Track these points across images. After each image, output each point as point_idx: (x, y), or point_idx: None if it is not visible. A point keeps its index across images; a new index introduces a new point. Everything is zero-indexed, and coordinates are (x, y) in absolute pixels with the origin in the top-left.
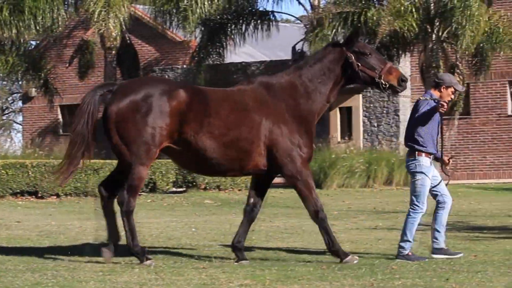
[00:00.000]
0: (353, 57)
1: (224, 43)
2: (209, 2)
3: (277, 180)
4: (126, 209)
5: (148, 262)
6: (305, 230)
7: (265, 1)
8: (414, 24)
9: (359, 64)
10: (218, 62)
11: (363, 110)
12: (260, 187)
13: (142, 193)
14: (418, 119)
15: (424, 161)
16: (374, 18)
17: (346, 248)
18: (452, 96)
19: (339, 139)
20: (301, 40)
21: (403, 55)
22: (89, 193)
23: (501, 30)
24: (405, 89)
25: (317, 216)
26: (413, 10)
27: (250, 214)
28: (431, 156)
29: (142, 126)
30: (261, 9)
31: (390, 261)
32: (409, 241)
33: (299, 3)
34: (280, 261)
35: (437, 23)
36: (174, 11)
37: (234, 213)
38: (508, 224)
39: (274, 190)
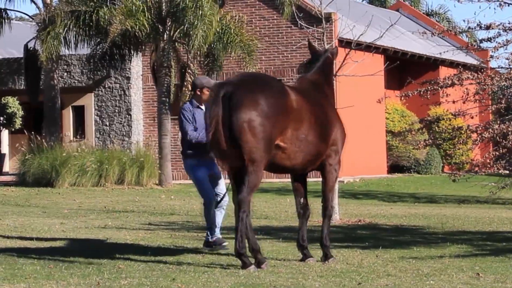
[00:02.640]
0: None
1: None
2: None
3: (7, 178)
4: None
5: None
6: (34, 229)
7: None
8: (145, 24)
9: None
10: None
11: (95, 109)
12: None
13: None
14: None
15: (190, 162)
16: (106, 17)
17: (73, 247)
18: (208, 93)
19: (71, 138)
20: (33, 38)
21: (135, 54)
22: None
23: (232, 30)
24: None
25: (328, 210)
26: (145, 9)
27: (305, 214)
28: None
29: (268, 129)
30: None
31: (117, 261)
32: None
33: (32, 1)
34: (8, 259)
35: (169, 23)
36: None
37: None
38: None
39: (5, 188)
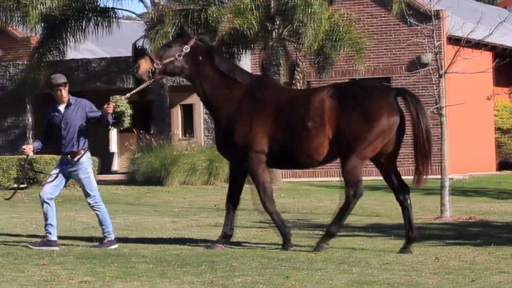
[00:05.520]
0: None
1: (65, 40)
2: None
3: (117, 177)
4: None
5: None
6: (146, 227)
7: None
8: (254, 22)
9: None
10: (59, 59)
11: (204, 108)
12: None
13: None
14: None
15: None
16: (215, 15)
17: (185, 245)
18: (60, 92)
19: (180, 136)
20: (142, 37)
21: (243, 53)
22: None
23: (341, 28)
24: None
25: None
26: (253, 8)
27: None
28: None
29: None
30: (102, 5)
31: (231, 258)
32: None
33: (140, 0)
34: (121, 257)
35: (278, 21)
36: (15, 7)
37: (76, 210)
38: (349, 222)
39: (115, 187)
